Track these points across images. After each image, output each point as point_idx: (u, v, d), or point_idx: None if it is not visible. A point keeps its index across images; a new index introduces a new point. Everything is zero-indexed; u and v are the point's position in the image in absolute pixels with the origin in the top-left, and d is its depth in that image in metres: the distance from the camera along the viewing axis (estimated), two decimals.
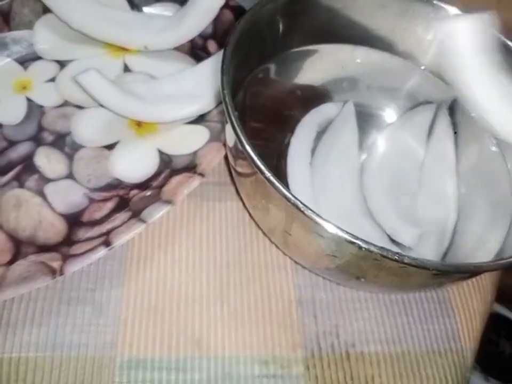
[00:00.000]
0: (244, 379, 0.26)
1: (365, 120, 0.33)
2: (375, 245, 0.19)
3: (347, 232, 0.20)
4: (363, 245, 0.20)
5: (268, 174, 0.21)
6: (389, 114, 0.34)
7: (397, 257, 0.19)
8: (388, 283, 0.24)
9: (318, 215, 0.20)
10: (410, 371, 0.28)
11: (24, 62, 0.36)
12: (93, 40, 0.37)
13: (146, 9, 0.39)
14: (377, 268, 0.22)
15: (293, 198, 0.20)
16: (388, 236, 0.28)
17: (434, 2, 0.31)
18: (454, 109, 0.33)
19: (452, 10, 0.30)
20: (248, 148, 0.21)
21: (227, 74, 0.24)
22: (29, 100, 0.34)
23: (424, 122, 0.33)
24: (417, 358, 0.29)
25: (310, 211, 0.20)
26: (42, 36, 0.37)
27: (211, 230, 0.31)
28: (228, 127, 0.24)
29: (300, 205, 0.20)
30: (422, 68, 0.33)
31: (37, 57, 0.36)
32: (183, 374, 0.26)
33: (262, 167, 0.21)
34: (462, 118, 0.33)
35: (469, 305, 0.31)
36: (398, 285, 0.24)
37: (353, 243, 0.20)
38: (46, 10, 0.37)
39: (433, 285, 0.25)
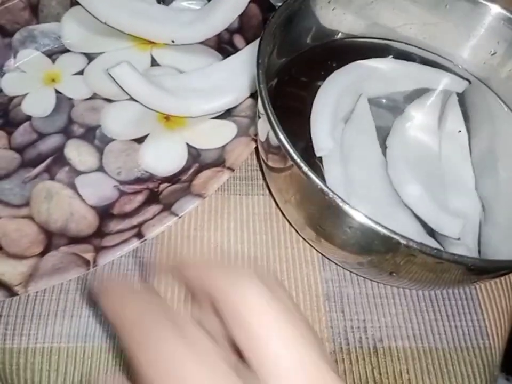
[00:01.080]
0: None
1: (380, 111, 0.33)
2: (414, 241, 0.19)
3: (385, 227, 0.20)
4: (402, 240, 0.20)
5: (305, 168, 0.21)
6: (403, 103, 0.34)
7: (435, 253, 0.19)
8: (421, 278, 0.24)
9: (355, 209, 0.20)
10: (438, 367, 0.28)
11: (52, 54, 0.36)
12: (120, 33, 0.37)
13: (173, 3, 0.39)
14: (412, 263, 0.22)
15: (331, 193, 0.20)
16: (425, 228, 0.28)
17: None
18: (463, 95, 0.33)
19: (491, 5, 0.30)
20: (285, 142, 0.21)
21: (263, 68, 0.24)
22: (57, 92, 0.34)
23: (436, 111, 0.33)
24: (445, 355, 0.29)
25: (347, 205, 0.20)
26: (70, 29, 0.37)
27: (239, 224, 0.31)
28: (262, 121, 0.24)
29: (338, 199, 0.20)
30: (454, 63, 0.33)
31: (65, 50, 0.37)
32: None
33: (299, 161, 0.21)
34: (471, 104, 0.33)
35: (496, 303, 0.31)
36: (431, 280, 0.24)
37: (391, 238, 0.20)
38: (74, 3, 0.38)
39: (466, 281, 0.25)
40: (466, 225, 0.29)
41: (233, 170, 0.30)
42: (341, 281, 0.30)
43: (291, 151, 0.22)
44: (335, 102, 0.30)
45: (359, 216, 0.20)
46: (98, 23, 0.37)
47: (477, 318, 0.30)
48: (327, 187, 0.20)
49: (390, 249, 0.21)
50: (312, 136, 0.29)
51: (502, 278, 0.32)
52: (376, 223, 0.20)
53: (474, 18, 0.30)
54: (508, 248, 0.27)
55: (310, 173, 0.21)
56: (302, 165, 0.21)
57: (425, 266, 0.22)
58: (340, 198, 0.20)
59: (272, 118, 0.22)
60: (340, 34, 0.33)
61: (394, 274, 0.24)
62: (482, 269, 0.21)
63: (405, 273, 0.23)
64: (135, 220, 0.28)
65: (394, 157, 0.31)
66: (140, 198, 0.30)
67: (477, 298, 0.31)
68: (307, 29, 0.31)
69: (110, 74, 0.31)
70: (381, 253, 0.22)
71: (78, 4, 0.37)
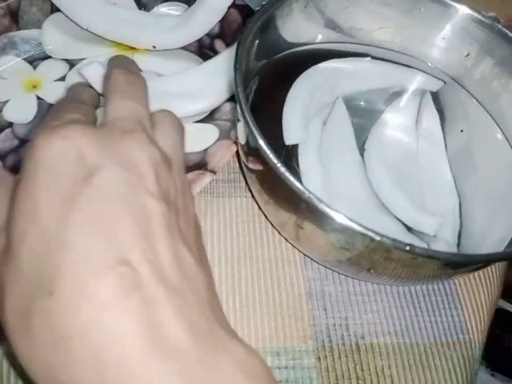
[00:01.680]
0: None
1: (357, 113, 0.34)
2: (387, 237, 0.20)
3: (360, 225, 0.20)
4: (376, 237, 0.20)
5: (283, 169, 0.21)
6: (379, 105, 0.35)
7: (408, 248, 0.20)
8: (398, 274, 0.24)
9: (331, 208, 0.21)
10: (419, 362, 0.29)
11: (33, 61, 0.36)
12: (101, 39, 0.38)
13: (154, 9, 0.40)
14: (389, 259, 0.22)
15: (307, 192, 0.21)
16: (405, 227, 0.29)
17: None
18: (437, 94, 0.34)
19: (461, 7, 0.31)
20: (263, 144, 0.22)
21: (240, 72, 0.24)
22: (39, 98, 0.34)
23: (412, 111, 0.34)
24: (425, 350, 0.29)
25: (323, 204, 0.21)
26: (51, 35, 0.38)
27: (221, 226, 0.32)
28: (241, 125, 0.25)
29: (314, 199, 0.21)
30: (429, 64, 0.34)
31: (46, 56, 0.37)
32: None
33: (277, 163, 0.21)
34: (446, 103, 0.34)
35: (476, 298, 0.32)
36: (408, 276, 0.25)
37: (365, 235, 0.20)
38: (55, 9, 0.38)
39: (443, 276, 0.26)
40: (445, 222, 0.29)
41: (215, 173, 0.30)
42: (322, 279, 0.30)
43: (269, 153, 0.22)
44: (308, 96, 0.31)
45: (335, 214, 0.21)
46: (79, 29, 0.38)
47: (456, 313, 0.31)
48: (304, 187, 0.21)
49: (367, 246, 0.22)
50: (282, 126, 0.29)
51: (481, 273, 0.33)
52: (352, 220, 0.21)
53: (446, 21, 0.31)
54: (487, 243, 0.28)
55: (287, 174, 0.21)
56: (279, 166, 0.22)
57: (401, 262, 0.22)
58: (316, 197, 0.21)
59: (249, 121, 0.23)
60: (318, 38, 0.34)
61: (372, 271, 0.25)
62: (455, 263, 0.21)
63: (383, 269, 0.24)
64: None
65: (372, 159, 0.32)
66: None
67: (457, 293, 0.32)
68: (285, 33, 0.31)
69: (81, 74, 0.31)
70: (358, 250, 0.23)
71: (59, 10, 0.38)
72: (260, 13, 0.28)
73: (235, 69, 0.24)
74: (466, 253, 0.24)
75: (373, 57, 0.35)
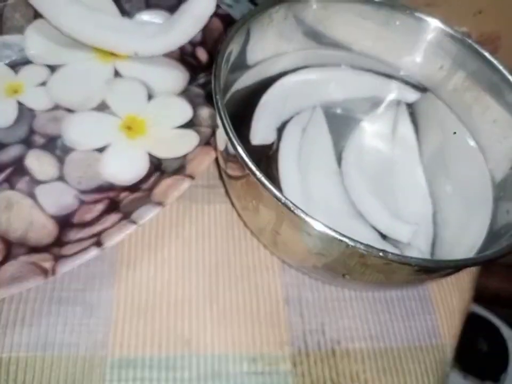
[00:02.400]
0: (233, 376, 0.27)
1: (335, 122, 0.35)
2: (361, 243, 0.21)
3: (335, 231, 0.21)
4: (350, 243, 0.21)
5: (260, 175, 0.22)
6: (357, 114, 0.36)
7: (381, 254, 0.21)
8: (373, 280, 0.25)
9: (307, 214, 0.21)
10: (393, 366, 0.29)
11: (15, 66, 0.36)
12: (83, 45, 0.38)
13: (137, 16, 0.40)
14: (363, 265, 0.23)
15: (283, 198, 0.21)
16: (380, 234, 0.30)
17: (416, 14, 0.32)
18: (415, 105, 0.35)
19: (434, 22, 0.32)
20: (241, 151, 0.22)
21: (219, 80, 0.25)
22: (19, 103, 0.34)
23: (388, 120, 0.35)
24: (399, 354, 0.30)
25: (299, 210, 0.21)
26: (33, 41, 0.38)
27: (200, 232, 0.32)
28: (220, 132, 0.25)
29: (290, 205, 0.21)
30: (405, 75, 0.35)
31: (28, 62, 0.37)
32: (173, 372, 0.27)
33: (254, 169, 0.22)
34: (422, 112, 0.35)
35: (448, 303, 0.33)
36: (382, 281, 0.25)
37: (340, 241, 0.21)
38: (37, 15, 0.38)
39: (416, 281, 0.27)
40: (419, 230, 0.30)
41: (193, 178, 0.30)
42: (300, 286, 0.31)
43: (246, 159, 0.22)
44: (280, 101, 0.32)
45: (312, 221, 0.21)
46: (61, 35, 0.38)
47: (430, 318, 0.32)
48: (281, 193, 0.21)
49: (342, 252, 0.22)
50: (251, 126, 0.30)
51: (454, 279, 0.33)
52: (327, 227, 0.21)
53: (420, 34, 0.32)
54: (459, 249, 0.29)
55: (264, 180, 0.22)
56: (256, 172, 0.22)
57: (375, 268, 0.23)
58: (292, 203, 0.21)
59: (228, 129, 0.23)
60: (296, 48, 0.35)
61: (347, 276, 0.25)
62: (425, 269, 0.22)
63: (358, 275, 0.24)
64: (95, 229, 0.28)
65: (349, 167, 0.33)
66: (100, 207, 0.30)
67: (430, 299, 0.32)
68: (264, 42, 0.32)
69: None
70: (334, 256, 0.23)
71: (42, 17, 0.38)
72: (240, 22, 0.29)
73: (214, 77, 0.25)
74: (436, 259, 0.24)
75: (351, 66, 0.36)
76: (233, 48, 0.29)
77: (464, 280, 0.34)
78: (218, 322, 0.28)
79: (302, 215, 0.21)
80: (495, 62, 0.31)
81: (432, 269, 0.22)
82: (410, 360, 0.30)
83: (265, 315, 0.29)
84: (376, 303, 0.31)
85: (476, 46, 0.31)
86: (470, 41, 0.32)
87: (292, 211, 0.21)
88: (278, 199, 0.21)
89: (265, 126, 0.32)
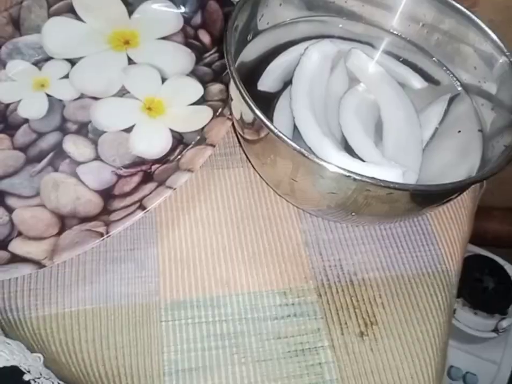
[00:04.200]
0: (268, 308, 0.32)
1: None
2: (367, 176, 0.25)
3: (344, 169, 0.25)
4: (357, 177, 0.25)
5: (278, 131, 0.26)
6: None
7: (383, 184, 0.25)
8: (379, 212, 0.29)
9: (319, 158, 0.25)
10: (405, 290, 0.34)
11: (38, 63, 0.40)
12: (96, 38, 0.41)
13: (141, 6, 0.44)
14: (369, 198, 0.27)
15: (298, 147, 0.25)
16: None
17: None
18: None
19: None
20: (259, 113, 0.26)
21: (231, 54, 0.28)
22: (48, 95, 0.38)
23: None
24: (409, 280, 0.34)
25: (313, 155, 0.25)
26: (50, 38, 0.41)
27: (224, 193, 0.36)
28: (236, 102, 0.29)
29: (304, 152, 0.25)
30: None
31: (49, 58, 0.40)
32: (217, 309, 0.31)
33: (273, 128, 0.26)
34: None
35: (449, 234, 0.37)
36: (387, 212, 0.29)
37: (348, 177, 0.25)
38: (51, 14, 0.41)
39: (417, 210, 0.31)
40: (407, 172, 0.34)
41: (214, 146, 0.34)
42: (316, 230, 0.35)
43: (266, 121, 0.26)
44: (291, 60, 0.36)
45: (322, 163, 0.25)
46: (75, 31, 0.42)
47: (433, 248, 0.36)
48: (295, 142, 0.26)
49: (350, 187, 0.26)
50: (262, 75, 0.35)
51: (452, 213, 0.38)
52: (338, 167, 0.25)
53: None
54: None
55: (281, 135, 0.26)
56: (277, 131, 0.26)
57: (379, 199, 0.27)
58: (305, 150, 0.25)
59: (245, 95, 0.27)
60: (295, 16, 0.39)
61: (357, 213, 0.30)
62: (424, 194, 0.26)
63: (366, 209, 0.29)
64: (136, 197, 0.32)
65: (350, 102, 0.36)
66: (136, 179, 0.34)
67: (432, 232, 0.37)
68: (266, 14, 0.36)
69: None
70: (344, 192, 0.27)
71: (55, 15, 0.41)
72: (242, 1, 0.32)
73: (226, 51, 0.29)
74: (432, 183, 0.28)
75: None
76: (238, 24, 0.32)
77: (462, 214, 0.38)
78: (249, 265, 0.33)
79: (316, 159, 0.25)
80: (471, 15, 0.35)
81: (430, 194, 0.27)
82: (420, 284, 0.34)
83: (289, 256, 0.34)
84: (385, 239, 0.36)
85: (453, 2, 0.35)
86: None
87: (306, 157, 0.25)
88: (294, 148, 0.25)
89: (274, 77, 0.36)
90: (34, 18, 0.41)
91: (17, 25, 0.40)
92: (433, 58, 0.39)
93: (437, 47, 0.38)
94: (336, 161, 0.30)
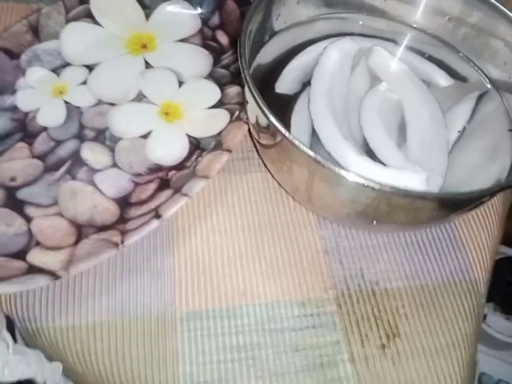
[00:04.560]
0: (286, 319, 0.31)
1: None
2: (386, 185, 0.23)
3: (362, 177, 0.24)
4: (376, 186, 0.23)
5: (291, 137, 0.25)
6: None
7: (403, 193, 0.23)
8: (402, 220, 0.28)
9: (336, 165, 0.24)
10: (430, 300, 0.32)
11: (56, 69, 0.40)
12: (113, 42, 0.41)
13: (157, 9, 0.43)
14: (391, 206, 0.26)
15: (313, 154, 0.24)
16: None
17: None
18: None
19: None
20: (274, 121, 0.25)
21: (245, 58, 0.28)
22: (66, 103, 0.38)
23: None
24: (434, 289, 0.33)
25: (329, 163, 0.24)
26: (69, 44, 0.41)
27: (241, 198, 0.35)
28: (251, 106, 0.28)
29: (320, 159, 0.24)
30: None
31: (67, 64, 0.40)
32: (234, 320, 0.30)
33: (289, 136, 0.25)
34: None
35: (478, 241, 0.35)
36: (410, 220, 0.28)
37: (367, 186, 0.24)
38: (69, 20, 0.41)
39: (442, 217, 0.29)
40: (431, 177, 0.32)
41: (231, 151, 0.34)
42: (336, 237, 0.34)
43: (280, 128, 0.25)
44: (309, 59, 0.35)
45: (344, 172, 0.24)
46: (92, 36, 0.41)
47: (461, 255, 0.34)
48: (311, 150, 0.24)
49: (369, 195, 0.25)
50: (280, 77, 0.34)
51: (481, 217, 0.36)
52: (358, 175, 0.24)
53: None
54: None
55: (296, 141, 0.25)
56: (291, 138, 0.25)
57: (401, 207, 0.26)
58: (321, 156, 0.24)
59: (259, 101, 0.26)
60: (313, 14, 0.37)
61: (378, 221, 0.28)
62: (448, 202, 0.25)
63: (387, 217, 0.27)
64: (152, 204, 0.32)
65: (372, 102, 0.35)
66: (152, 186, 0.34)
67: (459, 238, 0.35)
68: (282, 14, 0.35)
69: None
70: (363, 201, 0.26)
71: (72, 21, 0.41)
72: (257, 2, 0.31)
73: (240, 55, 0.28)
74: (454, 191, 0.27)
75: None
76: (253, 27, 0.31)
77: (492, 218, 0.36)
78: (267, 274, 0.32)
79: (332, 167, 0.24)
80: (501, 7, 0.33)
81: (453, 202, 0.25)
82: (446, 294, 0.33)
83: (307, 265, 0.33)
84: (409, 246, 0.34)
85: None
86: None
87: (323, 164, 0.24)
88: (313, 158, 0.24)
89: (291, 79, 0.35)
90: (53, 25, 0.41)
91: (36, 33, 0.40)
92: (460, 54, 0.37)
93: (464, 42, 0.37)
94: (355, 165, 0.29)
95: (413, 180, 0.28)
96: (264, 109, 0.26)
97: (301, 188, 0.29)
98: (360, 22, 0.39)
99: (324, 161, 0.24)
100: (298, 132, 0.33)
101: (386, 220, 0.28)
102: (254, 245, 0.33)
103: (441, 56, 0.38)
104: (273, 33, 0.36)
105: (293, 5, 0.36)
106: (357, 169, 0.29)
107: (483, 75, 0.36)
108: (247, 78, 0.27)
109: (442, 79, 0.37)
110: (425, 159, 0.32)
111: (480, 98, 0.35)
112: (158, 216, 0.30)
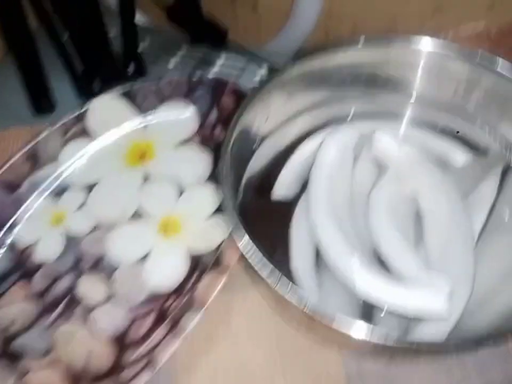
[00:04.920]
0: None
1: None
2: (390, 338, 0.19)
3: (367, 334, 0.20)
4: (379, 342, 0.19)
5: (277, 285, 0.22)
6: None
7: (413, 347, 0.19)
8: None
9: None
10: None
11: (55, 195, 0.39)
12: (110, 156, 0.40)
13: (155, 112, 0.42)
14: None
15: (303, 304, 0.21)
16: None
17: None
18: None
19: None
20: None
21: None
22: (64, 233, 0.37)
23: None
24: None
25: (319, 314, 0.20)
26: (66, 165, 0.40)
27: (245, 325, 0.32)
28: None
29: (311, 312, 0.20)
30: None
31: (66, 187, 0.39)
32: None
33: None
34: None
35: None
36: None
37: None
38: (67, 140, 0.41)
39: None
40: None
41: (229, 267, 0.31)
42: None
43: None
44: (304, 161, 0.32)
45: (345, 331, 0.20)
46: (91, 153, 0.41)
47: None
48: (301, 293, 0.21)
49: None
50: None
51: None
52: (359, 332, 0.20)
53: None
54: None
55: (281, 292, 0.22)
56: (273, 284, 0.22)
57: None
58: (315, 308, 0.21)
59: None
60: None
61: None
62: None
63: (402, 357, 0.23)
64: (147, 347, 0.29)
65: (374, 208, 0.31)
66: (149, 320, 0.31)
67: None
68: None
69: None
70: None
71: (71, 140, 0.41)
72: (235, 117, 0.29)
73: (224, 194, 0.25)
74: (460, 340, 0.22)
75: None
76: (235, 142, 0.29)
77: None
78: None
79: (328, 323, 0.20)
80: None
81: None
82: None
83: None
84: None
85: (486, 61, 0.29)
86: (477, 56, 0.30)
87: (315, 319, 0.21)
88: (299, 305, 0.21)
89: (288, 183, 0.33)
90: (51, 149, 0.41)
91: (35, 160, 0.40)
92: (475, 122, 0.33)
93: (478, 107, 0.32)
94: (364, 284, 0.25)
95: (432, 302, 0.24)
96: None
97: (302, 324, 0.26)
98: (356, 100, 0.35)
99: (318, 315, 0.20)
100: (300, 244, 0.30)
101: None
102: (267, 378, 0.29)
103: (453, 126, 0.34)
104: (264, 137, 0.33)
105: (280, 104, 0.33)
106: (365, 288, 0.25)
107: (504, 144, 0.32)
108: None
109: (458, 156, 0.33)
110: (448, 261, 0.28)
111: (504, 172, 0.31)
112: (150, 363, 0.28)
